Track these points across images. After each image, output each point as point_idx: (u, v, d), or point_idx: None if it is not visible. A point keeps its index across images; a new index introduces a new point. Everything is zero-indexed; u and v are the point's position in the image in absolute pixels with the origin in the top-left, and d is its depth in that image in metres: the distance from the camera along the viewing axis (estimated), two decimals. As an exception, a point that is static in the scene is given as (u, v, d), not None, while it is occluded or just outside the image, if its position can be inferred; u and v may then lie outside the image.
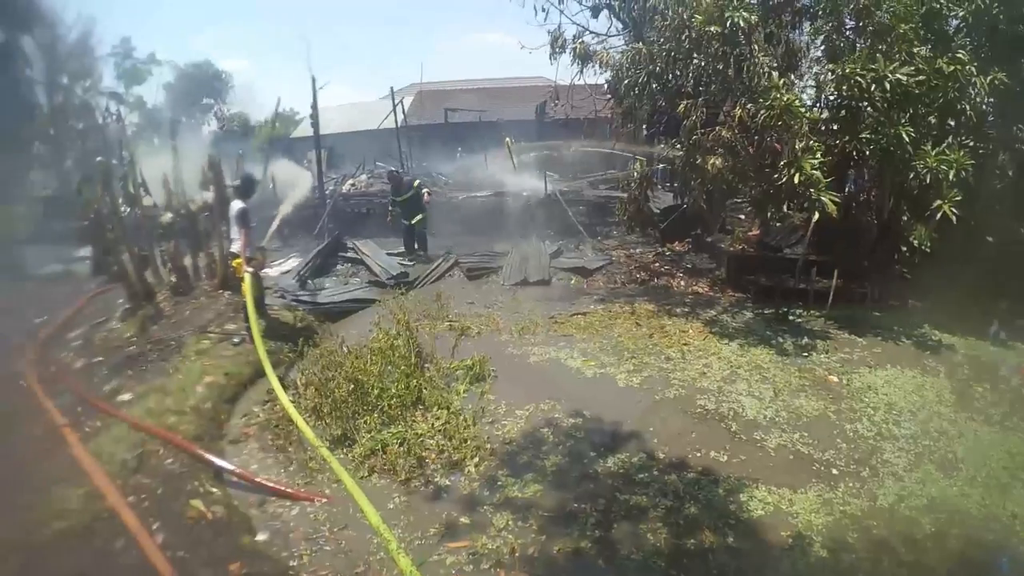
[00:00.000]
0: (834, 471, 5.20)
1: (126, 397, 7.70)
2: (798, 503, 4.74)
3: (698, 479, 5.06)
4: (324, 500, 5.23)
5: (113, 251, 11.32)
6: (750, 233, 12.29)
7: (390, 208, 14.25)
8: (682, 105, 9.35)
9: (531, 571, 4.16)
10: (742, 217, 13.85)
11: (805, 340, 8.09)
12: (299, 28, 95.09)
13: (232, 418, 7.10)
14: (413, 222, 13.65)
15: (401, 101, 22.68)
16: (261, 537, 4.89)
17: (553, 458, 5.44)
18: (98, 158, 12.94)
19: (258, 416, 6.96)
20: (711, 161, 8.96)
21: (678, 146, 10.29)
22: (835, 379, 6.98)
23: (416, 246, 13.89)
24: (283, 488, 5.47)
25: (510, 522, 4.64)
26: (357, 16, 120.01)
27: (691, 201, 11.40)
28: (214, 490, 5.47)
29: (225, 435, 6.70)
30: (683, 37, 9.31)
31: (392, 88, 23.55)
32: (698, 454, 5.41)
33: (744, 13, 8.52)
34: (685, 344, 7.98)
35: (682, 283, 11.26)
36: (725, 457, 5.36)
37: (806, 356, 7.58)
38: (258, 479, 5.63)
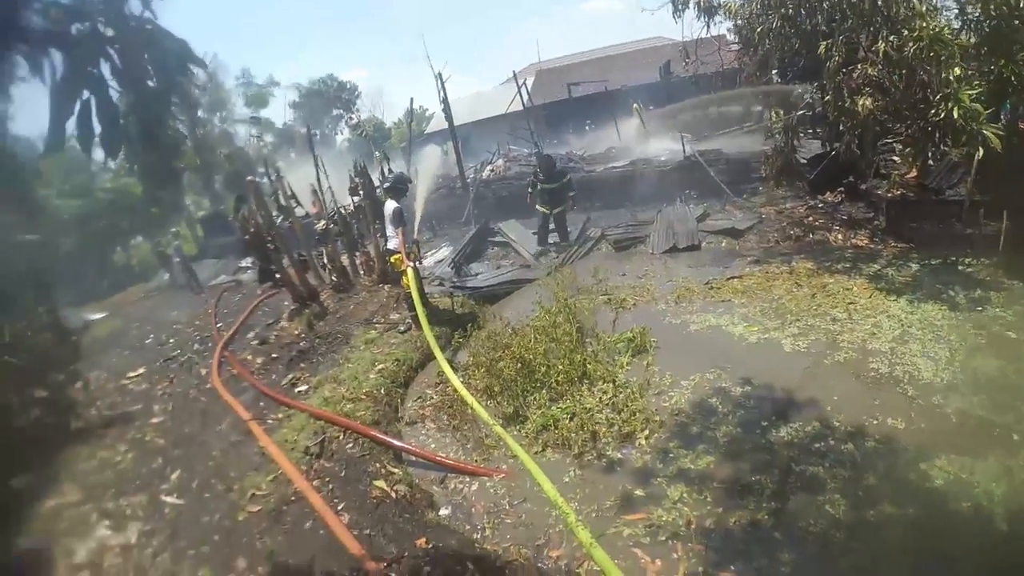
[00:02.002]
0: (1015, 436, 4.80)
1: (302, 388, 8.39)
2: (978, 472, 4.43)
3: (876, 447, 4.85)
4: (502, 475, 5.44)
5: (275, 259, 12.17)
6: (907, 176, 11.41)
7: (530, 191, 13.69)
8: (822, 46, 8.86)
9: (708, 543, 4.17)
10: (896, 159, 12.81)
11: (978, 292, 7.44)
12: (413, 29, 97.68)
13: (407, 401, 7.50)
14: (553, 212, 13.18)
15: (524, 83, 22.76)
16: (444, 512, 5.17)
17: (724, 428, 5.39)
18: (248, 177, 13.90)
19: (431, 398, 7.31)
20: (860, 102, 8.38)
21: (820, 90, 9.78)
22: (1013, 335, 6.38)
23: (554, 237, 13.45)
24: (462, 465, 5.73)
25: (685, 494, 4.65)
26: (464, 7, 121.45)
27: (842, 147, 10.81)
28: (395, 470, 5.81)
29: (401, 418, 7.11)
30: None
31: (514, 72, 23.73)
32: (874, 421, 5.15)
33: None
34: (850, 303, 7.55)
35: (839, 236, 10.63)
36: (903, 424, 5.09)
37: (980, 310, 6.97)
38: (438, 457, 5.92)
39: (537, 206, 13.39)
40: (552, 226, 13.34)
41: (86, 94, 2.62)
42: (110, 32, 2.58)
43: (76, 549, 5.69)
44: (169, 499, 6.32)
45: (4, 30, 2.53)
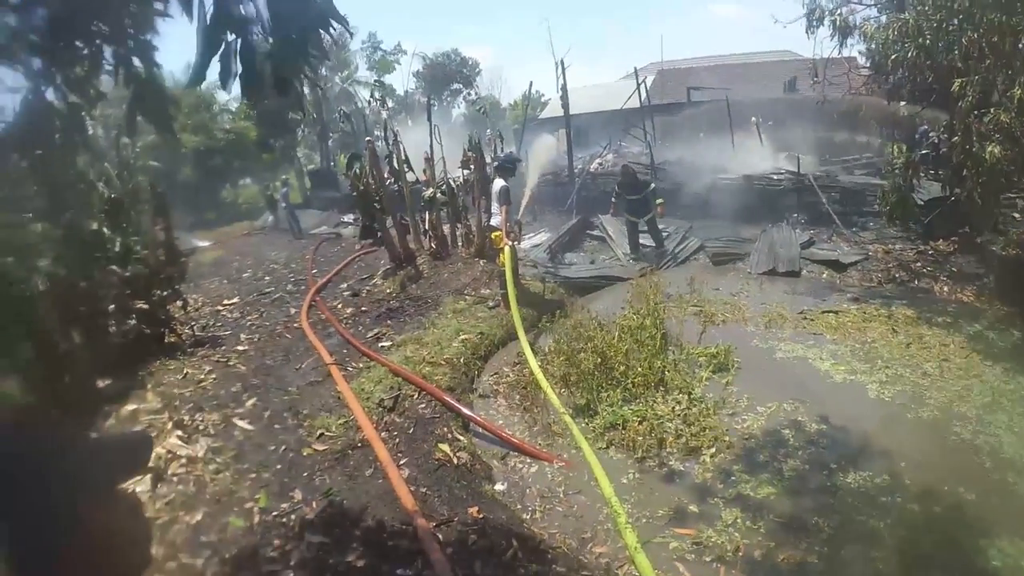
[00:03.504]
0: None
1: (385, 344, 8.66)
2: None
3: (941, 513, 4.68)
4: (562, 464, 5.53)
5: (379, 219, 12.57)
6: (1027, 237, 10.84)
7: (613, 200, 13.50)
8: (956, 83, 8.51)
9: (752, 574, 4.14)
10: (1018, 216, 12.20)
11: None
12: (540, 13, 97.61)
13: (483, 375, 7.70)
14: (643, 219, 12.85)
15: (644, 80, 22.57)
16: (499, 487, 5.31)
17: (792, 462, 5.32)
18: (367, 138, 14.38)
19: (507, 376, 7.50)
20: (989, 148, 8.02)
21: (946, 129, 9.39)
22: None
23: (645, 242, 13.14)
24: (525, 445, 5.84)
25: (739, 519, 4.61)
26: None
27: (963, 194, 10.35)
28: (461, 438, 5.97)
29: (475, 389, 7.33)
30: (955, 6, 8.36)
31: (636, 68, 23.50)
32: (945, 487, 4.95)
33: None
34: (944, 359, 7.23)
35: (945, 288, 10.21)
36: (973, 495, 4.86)
37: None
38: (503, 433, 6.05)
39: (625, 214, 13.21)
40: (644, 230, 13.08)
41: (230, 36, 2.81)
42: None
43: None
44: (241, 423, 6.61)
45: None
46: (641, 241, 13.21)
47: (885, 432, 5.76)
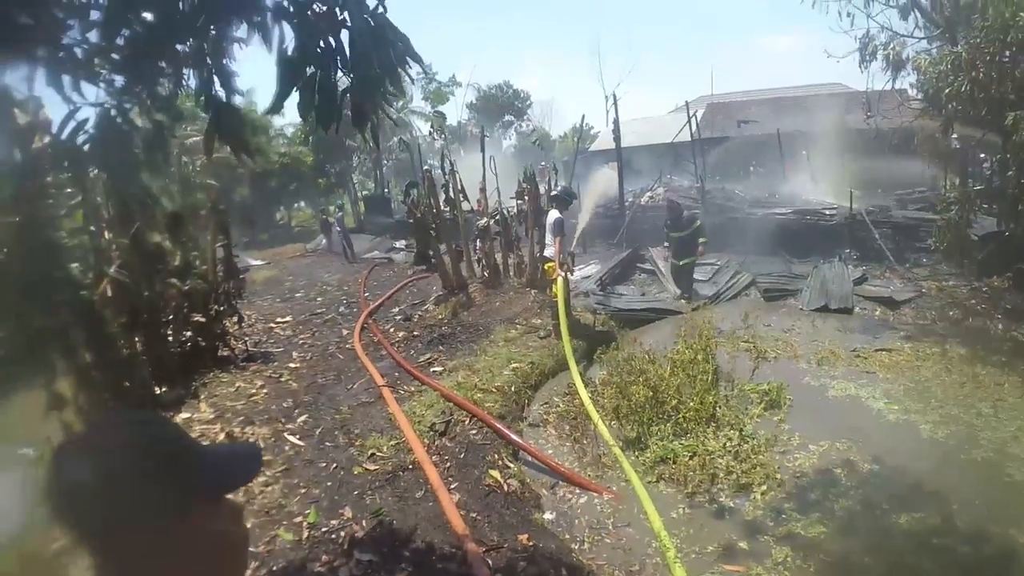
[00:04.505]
0: None
1: (437, 369, 8.79)
2: None
3: (993, 556, 4.62)
4: (611, 496, 5.55)
5: (433, 245, 12.85)
6: (1086, 272, 10.63)
7: (665, 243, 13.17)
8: (1010, 117, 8.50)
9: None
10: (1074, 254, 11.99)
11: None
12: (592, 44, 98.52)
13: (534, 404, 7.77)
14: (682, 263, 12.57)
15: (694, 114, 22.70)
16: (548, 516, 5.35)
17: (843, 502, 5.30)
18: (424, 166, 14.77)
19: (558, 406, 7.54)
20: (1044, 184, 8.04)
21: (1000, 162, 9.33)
22: None
23: (681, 288, 12.73)
24: (575, 476, 5.87)
25: (789, 558, 4.60)
26: (645, 25, 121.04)
27: (1019, 229, 10.24)
28: (511, 465, 6.03)
29: (526, 418, 7.40)
30: (1008, 39, 8.41)
31: (687, 102, 23.66)
32: (997, 528, 4.88)
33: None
34: (999, 400, 7.12)
35: (1000, 326, 10.04)
36: None
37: None
38: (553, 463, 6.09)
39: (668, 252, 13.11)
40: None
41: (311, 68, 3.01)
42: (344, 16, 2.95)
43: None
44: (292, 438, 6.74)
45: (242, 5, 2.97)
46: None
47: (938, 473, 5.70)
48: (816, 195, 18.77)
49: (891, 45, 11.81)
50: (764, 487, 5.52)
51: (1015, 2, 8.32)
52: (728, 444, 6.20)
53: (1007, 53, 8.59)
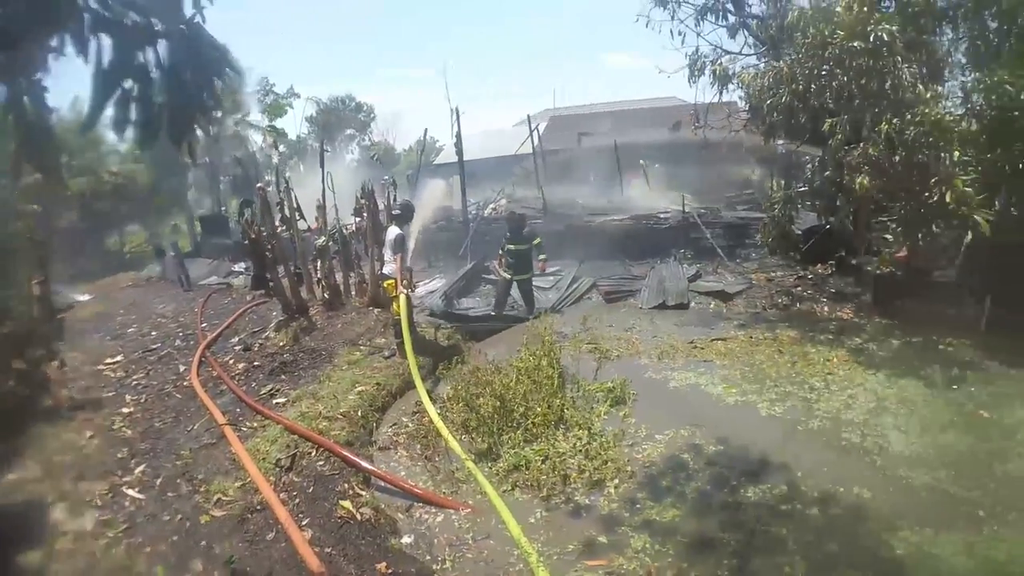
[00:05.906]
0: (980, 512, 4.84)
1: (280, 400, 8.37)
2: (941, 545, 4.46)
3: (841, 514, 4.91)
4: (468, 510, 5.42)
5: (270, 268, 12.23)
6: (897, 255, 11.66)
7: (501, 252, 12.02)
8: (827, 123, 9.09)
9: None
10: (888, 238, 13.07)
11: (955, 371, 7.64)
12: (439, 61, 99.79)
13: (382, 426, 7.49)
14: (516, 278, 11.71)
15: (536, 127, 23.13)
16: (406, 540, 5.14)
17: (693, 484, 5.44)
18: (258, 184, 14.08)
19: (407, 426, 7.31)
20: (859, 180, 8.58)
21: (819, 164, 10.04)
22: (985, 414, 6.51)
23: (517, 302, 12.06)
24: (430, 495, 5.71)
25: (648, 544, 4.65)
26: (489, 44, 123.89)
27: (836, 222, 11.01)
28: (363, 493, 5.80)
29: (375, 442, 7.11)
30: (825, 54, 9.02)
31: (528, 115, 24.13)
32: (841, 488, 5.21)
33: (887, 25, 8.28)
34: (829, 373, 7.71)
35: (825, 308, 10.89)
36: (869, 493, 5.14)
37: (956, 389, 7.16)
38: (406, 484, 5.89)
39: (501, 271, 12.09)
40: (515, 293, 12.02)
41: (128, 82, 2.70)
42: (161, 27, 2.67)
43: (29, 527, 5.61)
44: (131, 492, 6.26)
45: (57, 10, 2.62)
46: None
47: (779, 446, 5.99)
48: (652, 201, 19.51)
49: (719, 61, 12.36)
50: (616, 481, 5.56)
51: (832, 21, 8.98)
52: (578, 444, 6.21)
53: (825, 67, 9.18)
